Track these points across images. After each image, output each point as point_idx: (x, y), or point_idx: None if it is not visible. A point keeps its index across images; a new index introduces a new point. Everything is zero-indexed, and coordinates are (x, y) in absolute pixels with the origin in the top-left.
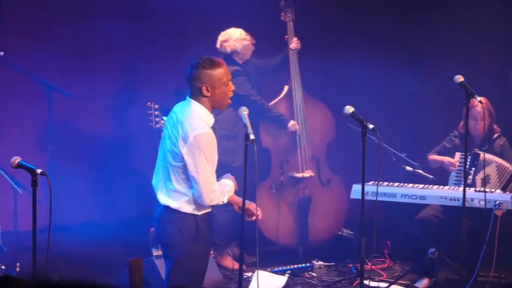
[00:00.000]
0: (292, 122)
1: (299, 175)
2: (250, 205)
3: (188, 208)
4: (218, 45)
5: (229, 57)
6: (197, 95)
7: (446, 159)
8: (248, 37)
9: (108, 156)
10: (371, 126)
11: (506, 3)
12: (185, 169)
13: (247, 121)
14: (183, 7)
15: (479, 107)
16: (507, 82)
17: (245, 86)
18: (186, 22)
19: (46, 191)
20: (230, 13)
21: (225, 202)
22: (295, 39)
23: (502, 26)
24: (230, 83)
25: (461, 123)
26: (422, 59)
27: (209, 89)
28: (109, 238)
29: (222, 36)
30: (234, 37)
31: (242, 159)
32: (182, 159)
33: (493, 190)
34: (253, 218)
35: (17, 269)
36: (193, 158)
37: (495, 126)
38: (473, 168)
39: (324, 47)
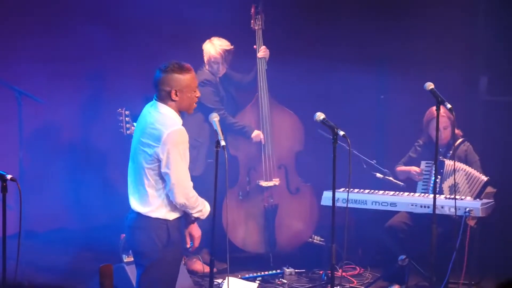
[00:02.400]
0: (255, 133)
1: (265, 184)
2: (197, 232)
3: (160, 213)
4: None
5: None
6: (164, 98)
7: (412, 168)
8: (222, 50)
9: (79, 162)
10: (341, 132)
11: (475, 8)
12: (159, 170)
13: (217, 127)
14: (153, 15)
15: (439, 117)
16: (476, 88)
17: (212, 98)
18: (156, 29)
19: (16, 197)
20: (201, 21)
21: (200, 218)
22: (263, 47)
23: (471, 31)
24: (197, 89)
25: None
26: (392, 66)
27: (177, 93)
28: (80, 245)
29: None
30: (213, 47)
31: (203, 168)
32: (156, 160)
33: (463, 197)
34: (188, 245)
35: None
36: (167, 155)
37: (456, 131)
38: (439, 176)
39: (293, 54)
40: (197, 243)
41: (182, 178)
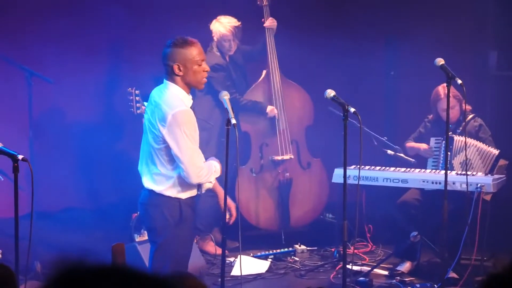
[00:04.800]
0: (269, 108)
1: (279, 158)
2: (231, 203)
3: (173, 192)
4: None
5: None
6: (171, 75)
7: (422, 146)
8: (231, 27)
9: (89, 141)
10: (352, 109)
11: None
12: (168, 150)
13: (228, 105)
14: None
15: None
16: (486, 63)
17: (223, 82)
18: (168, 9)
19: (27, 177)
20: (211, 1)
21: (213, 182)
22: (270, 18)
23: (481, 6)
24: (204, 63)
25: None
26: (402, 43)
27: (180, 68)
28: (91, 224)
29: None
30: (221, 25)
31: (214, 150)
32: (163, 141)
33: (474, 173)
34: (228, 217)
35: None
36: (174, 137)
37: (466, 108)
38: (449, 153)
39: (302, 30)
40: (234, 212)
41: (193, 159)
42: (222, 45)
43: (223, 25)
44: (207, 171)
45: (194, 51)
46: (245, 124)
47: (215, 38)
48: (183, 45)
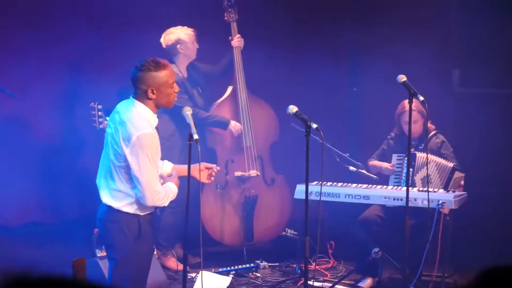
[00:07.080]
0: (233, 123)
1: (245, 174)
2: (199, 166)
3: (131, 209)
4: (162, 39)
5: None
6: (141, 96)
7: (384, 164)
8: (190, 29)
9: (51, 156)
10: (314, 125)
11: (448, 1)
12: (128, 169)
13: (190, 121)
14: (128, 7)
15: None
16: (449, 80)
17: (180, 98)
18: (132, 23)
19: None
20: (175, 15)
21: (166, 205)
22: (238, 35)
23: (444, 23)
24: (174, 84)
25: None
26: (365, 59)
27: (154, 91)
28: (53, 239)
29: (165, 32)
30: (177, 29)
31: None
32: (125, 159)
33: (436, 189)
34: (214, 173)
35: None
36: (136, 158)
37: (429, 125)
38: (411, 169)
39: (268, 46)
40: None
41: (151, 183)
42: (185, 51)
43: (180, 31)
44: (163, 196)
45: (167, 74)
46: (211, 140)
47: (178, 47)
48: (156, 69)
